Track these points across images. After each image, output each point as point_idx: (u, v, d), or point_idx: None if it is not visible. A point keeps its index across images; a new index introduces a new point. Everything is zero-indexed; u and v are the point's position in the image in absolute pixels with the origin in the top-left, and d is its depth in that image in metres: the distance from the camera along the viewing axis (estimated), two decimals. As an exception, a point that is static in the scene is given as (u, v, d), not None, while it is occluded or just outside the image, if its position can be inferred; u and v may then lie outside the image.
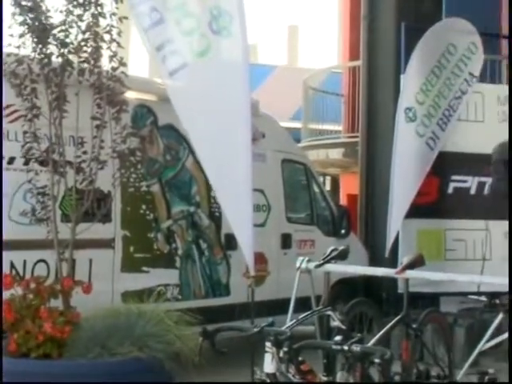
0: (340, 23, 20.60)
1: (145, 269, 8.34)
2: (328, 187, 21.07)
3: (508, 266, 8.24)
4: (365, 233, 11.69)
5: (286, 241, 9.82)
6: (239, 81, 6.42)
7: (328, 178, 21.62)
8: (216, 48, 6.26)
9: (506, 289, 9.07)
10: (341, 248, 5.68)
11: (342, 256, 5.61)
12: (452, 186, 10.98)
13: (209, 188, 8.68)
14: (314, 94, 19.14)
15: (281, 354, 4.43)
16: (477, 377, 8.45)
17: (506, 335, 8.84)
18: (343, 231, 10.67)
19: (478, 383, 8.35)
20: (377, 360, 4.37)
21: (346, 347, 4.34)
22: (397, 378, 5.24)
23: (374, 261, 10.45)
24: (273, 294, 8.79)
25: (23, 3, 6.40)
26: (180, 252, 8.71)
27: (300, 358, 4.64)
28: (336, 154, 15.95)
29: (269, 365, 4.44)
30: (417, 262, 5.28)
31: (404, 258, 5.40)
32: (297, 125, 19.17)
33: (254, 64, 30.77)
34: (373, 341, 4.87)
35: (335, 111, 19.06)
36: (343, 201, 17.92)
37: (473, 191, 10.98)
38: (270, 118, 10.26)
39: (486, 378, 8.34)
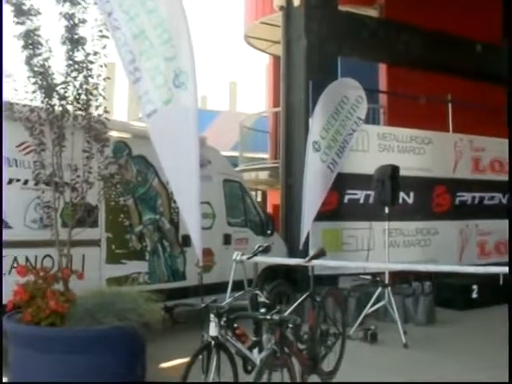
0: (267, 79, 20.68)
1: (123, 261, 8.31)
2: (259, 199, 21.20)
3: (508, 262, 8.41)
4: (285, 232, 11.74)
5: (227, 239, 9.83)
6: (191, 123, 6.44)
7: (259, 193, 21.66)
8: (176, 98, 6.25)
9: (384, 270, 9.29)
10: (265, 244, 5.75)
11: (266, 251, 5.69)
12: (347, 197, 11.16)
13: (169, 201, 8.78)
14: (247, 132, 19.23)
15: (221, 323, 4.50)
16: (362, 332, 8.64)
17: (382, 303, 9.06)
18: (269, 232, 10.73)
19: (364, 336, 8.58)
20: (290, 325, 4.47)
21: (268, 316, 4.41)
22: (306, 337, 5.32)
23: (292, 252, 10.54)
24: (218, 279, 8.77)
25: (36, 69, 6.45)
26: (149, 248, 8.69)
27: (235, 325, 4.72)
28: (264, 175, 16.00)
29: (213, 330, 4.51)
30: (319, 254, 5.36)
31: (311, 251, 5.49)
32: (235, 154, 19.17)
33: (204, 110, 30.96)
34: (288, 311, 4.93)
35: (263, 144, 19.18)
36: (270, 209, 17.99)
37: (361, 201, 11.17)
38: (214, 149, 10.28)
39: (369, 332, 8.55)
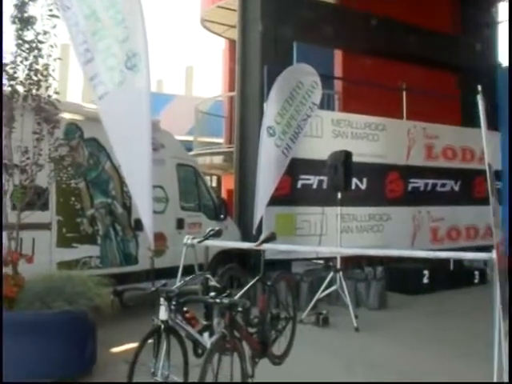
0: (223, 64, 20.63)
1: (74, 245, 8.26)
2: (215, 184, 21.19)
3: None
4: (238, 217, 11.78)
5: (180, 224, 9.82)
6: (143, 105, 6.40)
7: (215, 178, 21.63)
8: (129, 80, 6.20)
9: (336, 255, 9.40)
10: (216, 228, 5.75)
11: (217, 234, 5.69)
12: (300, 182, 11.25)
13: (122, 185, 8.70)
14: (203, 116, 19.17)
15: (171, 307, 4.51)
16: (314, 316, 8.74)
17: (334, 287, 9.17)
18: (222, 216, 10.73)
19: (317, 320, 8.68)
20: (240, 308, 4.50)
21: (218, 300, 4.44)
22: (256, 321, 5.35)
23: (245, 237, 10.55)
24: (171, 263, 8.72)
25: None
26: (101, 232, 8.64)
27: (185, 309, 4.73)
28: (218, 159, 16.01)
29: (163, 314, 4.52)
30: (270, 238, 5.37)
31: (261, 235, 5.51)
32: (191, 138, 19.09)
33: (159, 93, 30.67)
34: (238, 295, 4.95)
35: (219, 129, 19.14)
36: (224, 194, 17.97)
37: (314, 186, 11.28)
38: (168, 133, 10.21)
39: (321, 316, 8.65)
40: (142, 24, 6.14)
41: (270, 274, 5.86)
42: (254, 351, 5.18)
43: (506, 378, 3.93)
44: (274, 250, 8.89)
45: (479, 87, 4.46)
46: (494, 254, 4.23)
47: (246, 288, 5.21)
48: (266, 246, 5.43)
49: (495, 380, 4.08)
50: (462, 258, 10.41)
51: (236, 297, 4.88)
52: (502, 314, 4.03)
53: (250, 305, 4.48)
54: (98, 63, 6.16)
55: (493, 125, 14.88)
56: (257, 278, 5.41)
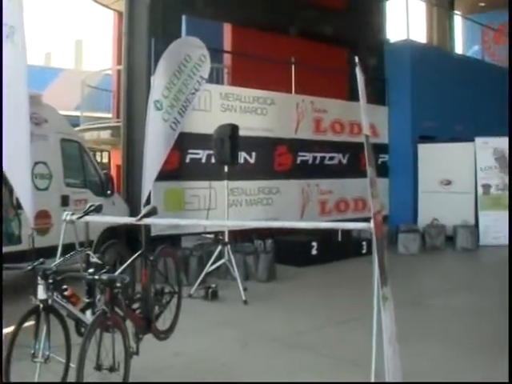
0: (112, 37, 20.15)
1: (-48, 225, 7.91)
2: (106, 160, 20.83)
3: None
4: (126, 192, 11.66)
5: (65, 200, 9.54)
6: (20, 78, 6.23)
7: (106, 154, 21.24)
8: (7, 53, 6.03)
9: (224, 229, 9.48)
10: (97, 204, 5.65)
11: (98, 210, 5.59)
12: (189, 157, 11.26)
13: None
14: (92, 91, 18.73)
15: (49, 285, 4.43)
16: (203, 290, 8.81)
17: (222, 260, 9.26)
18: (109, 192, 10.54)
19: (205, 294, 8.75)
20: (118, 284, 4.47)
21: (96, 276, 4.39)
22: (138, 296, 5.34)
23: (134, 213, 10.35)
24: (55, 241, 8.56)
25: None
26: (-20, 211, 8.32)
27: (64, 287, 4.64)
28: (105, 134, 15.66)
29: (41, 293, 4.42)
30: (151, 213, 5.34)
31: (142, 210, 5.47)
32: (79, 113, 18.60)
33: (47, 67, 29.69)
34: (119, 271, 4.90)
35: (109, 103, 18.76)
36: (114, 170, 17.70)
37: (203, 160, 11.31)
38: (51, 107, 9.87)
39: (210, 290, 8.73)
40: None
41: (153, 249, 5.83)
42: (137, 327, 5.18)
43: (385, 338, 4.11)
44: (162, 225, 8.91)
45: (356, 59, 4.55)
46: (371, 224, 4.36)
47: (126, 263, 5.17)
48: (146, 221, 5.39)
49: (374, 339, 4.26)
50: (342, 228, 10.81)
51: (117, 272, 4.84)
52: (380, 280, 4.20)
53: (130, 280, 4.46)
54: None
55: (381, 99, 15.48)
56: (138, 253, 5.38)
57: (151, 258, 5.47)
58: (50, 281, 4.41)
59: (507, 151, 14.48)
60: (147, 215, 5.28)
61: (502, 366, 5.08)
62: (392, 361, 4.19)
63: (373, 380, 4.30)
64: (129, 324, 4.96)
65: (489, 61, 20.50)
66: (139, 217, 5.27)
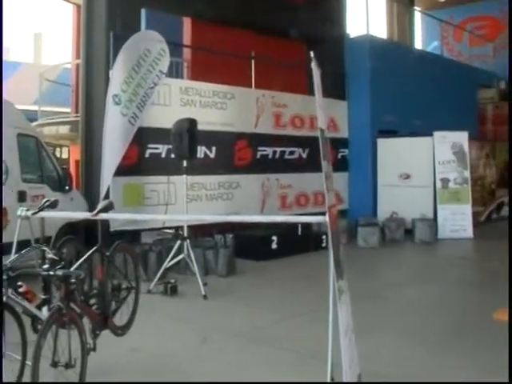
0: (72, 31, 19.90)
1: None
2: (66, 155, 20.61)
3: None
4: (85, 188, 11.55)
5: (22, 196, 9.38)
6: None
7: (66, 149, 21.00)
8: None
9: (183, 224, 9.46)
10: (52, 199, 5.58)
11: (53, 205, 5.53)
12: (148, 152, 11.18)
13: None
14: (50, 85, 18.49)
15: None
16: (163, 285, 8.79)
17: (182, 256, 9.25)
18: (67, 187, 10.42)
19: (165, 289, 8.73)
20: (73, 280, 4.44)
21: (51, 272, 4.35)
22: (94, 292, 5.30)
23: (92, 208, 10.28)
24: (12, 238, 8.46)
25: None
26: None
27: (19, 283, 4.58)
28: (64, 129, 15.44)
29: (-5, 290, 4.36)
30: (107, 207, 5.30)
31: (98, 205, 5.42)
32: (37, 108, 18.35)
33: (5, 61, 29.12)
34: (74, 266, 4.86)
35: (68, 98, 18.53)
36: (73, 165, 17.50)
37: (163, 155, 11.23)
38: (7, 102, 9.65)
39: (169, 285, 8.71)
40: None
41: (111, 244, 5.79)
42: (94, 323, 5.14)
43: (341, 330, 4.16)
44: (122, 220, 8.86)
45: (312, 54, 4.59)
46: (327, 217, 4.40)
47: (82, 259, 5.12)
48: (104, 216, 5.35)
49: (330, 331, 4.32)
50: (298, 221, 10.88)
51: (72, 268, 4.80)
52: (335, 273, 4.25)
53: (86, 276, 4.43)
54: None
55: (341, 94, 15.59)
56: (94, 248, 5.34)
57: (107, 253, 5.44)
58: (5, 277, 4.35)
59: (465, 146, 14.77)
60: (103, 210, 5.24)
61: (457, 354, 5.19)
62: (349, 352, 4.25)
63: (329, 371, 4.36)
64: (86, 320, 4.93)
65: (448, 56, 20.76)
66: (95, 212, 5.23)
